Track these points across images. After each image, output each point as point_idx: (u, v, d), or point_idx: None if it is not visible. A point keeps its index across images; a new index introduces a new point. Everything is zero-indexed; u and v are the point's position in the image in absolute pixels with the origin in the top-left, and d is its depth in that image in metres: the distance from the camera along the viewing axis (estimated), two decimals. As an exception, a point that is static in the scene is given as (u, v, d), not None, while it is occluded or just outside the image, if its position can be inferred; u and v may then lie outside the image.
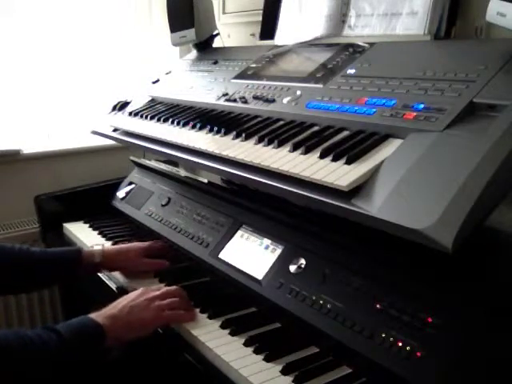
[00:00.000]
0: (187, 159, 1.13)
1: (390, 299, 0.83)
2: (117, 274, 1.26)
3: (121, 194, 1.70)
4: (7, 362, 0.84)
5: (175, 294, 1.06)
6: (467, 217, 0.64)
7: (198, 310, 1.04)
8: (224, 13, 1.89)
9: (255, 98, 1.16)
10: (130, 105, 1.56)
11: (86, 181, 1.76)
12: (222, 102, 1.25)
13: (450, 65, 0.89)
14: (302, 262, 1.00)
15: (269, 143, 0.97)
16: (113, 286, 1.21)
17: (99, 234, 1.52)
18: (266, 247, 1.10)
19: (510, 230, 0.88)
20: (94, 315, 0.96)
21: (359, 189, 0.77)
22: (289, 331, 0.96)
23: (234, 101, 1.21)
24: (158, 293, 1.04)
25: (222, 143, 1.05)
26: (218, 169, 1.02)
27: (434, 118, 0.80)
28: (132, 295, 1.03)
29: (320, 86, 1.07)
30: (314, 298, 0.93)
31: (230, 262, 1.14)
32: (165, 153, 1.22)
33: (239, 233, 1.19)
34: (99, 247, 1.25)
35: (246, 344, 0.91)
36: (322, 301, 0.92)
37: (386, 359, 0.78)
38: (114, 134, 1.49)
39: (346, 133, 0.92)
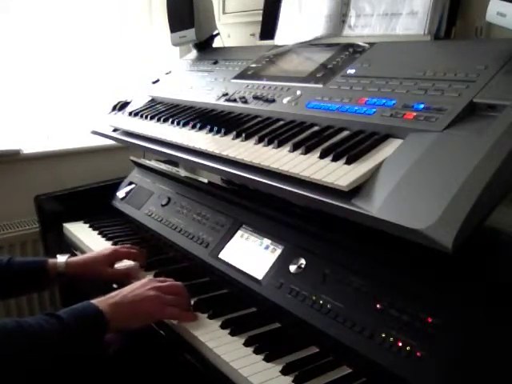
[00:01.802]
0: (187, 159, 1.13)
1: (390, 299, 0.83)
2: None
3: (121, 194, 1.70)
4: (5, 347, 0.83)
5: (179, 290, 1.04)
6: (467, 217, 0.64)
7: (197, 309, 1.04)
8: (224, 13, 1.89)
9: (255, 97, 1.16)
10: (130, 105, 1.57)
11: (86, 181, 1.76)
12: (222, 102, 1.25)
13: (450, 65, 0.89)
14: (302, 261, 1.00)
15: (269, 143, 0.97)
16: (114, 286, 1.22)
17: (99, 234, 1.52)
18: (266, 247, 1.10)
19: (510, 230, 0.88)
20: (96, 301, 0.95)
21: (359, 189, 0.77)
22: (289, 331, 0.96)
23: (234, 101, 1.21)
24: (162, 284, 1.03)
25: (222, 143, 1.05)
26: (218, 169, 1.02)
27: (434, 117, 0.80)
28: (136, 284, 1.02)
29: (320, 86, 1.07)
30: (314, 298, 0.93)
31: (229, 262, 1.14)
32: (165, 153, 1.22)
33: (239, 233, 1.19)
34: (63, 258, 1.23)
35: (246, 344, 0.91)
36: (322, 301, 0.92)
37: (386, 359, 0.78)
38: (114, 134, 1.49)
39: (346, 133, 0.92)
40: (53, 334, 0.86)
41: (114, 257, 1.25)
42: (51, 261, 1.22)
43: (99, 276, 1.22)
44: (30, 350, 0.85)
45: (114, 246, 1.31)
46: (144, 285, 1.02)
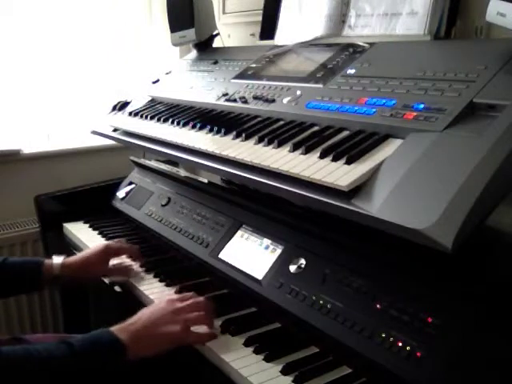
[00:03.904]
0: (187, 159, 1.13)
1: (390, 299, 0.83)
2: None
3: (121, 194, 1.70)
4: (14, 376, 0.81)
5: (202, 306, 0.99)
6: (467, 217, 0.64)
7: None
8: (224, 13, 1.89)
9: (255, 98, 1.16)
10: (130, 105, 1.56)
11: (86, 181, 1.76)
12: (222, 102, 1.25)
13: (449, 65, 0.89)
14: (302, 262, 1.00)
15: (269, 143, 0.97)
16: (117, 289, 1.22)
17: (99, 233, 1.52)
18: (266, 247, 1.10)
19: (510, 230, 0.88)
20: (115, 329, 0.91)
21: (359, 189, 0.77)
22: (289, 331, 0.96)
23: (234, 101, 1.21)
24: (184, 304, 0.97)
25: (222, 143, 1.05)
26: (218, 169, 1.02)
27: (434, 117, 0.80)
28: (157, 306, 0.97)
29: (320, 86, 1.07)
30: (314, 297, 0.93)
31: (229, 262, 1.14)
32: (165, 153, 1.22)
33: (239, 233, 1.19)
34: (59, 259, 1.21)
35: (246, 344, 0.91)
36: (322, 301, 0.92)
37: (385, 359, 0.78)
38: (114, 134, 1.49)
39: (345, 133, 0.92)
40: (61, 360, 0.84)
41: (107, 253, 1.24)
42: (47, 262, 1.20)
43: (95, 276, 1.22)
44: (39, 379, 0.83)
45: (105, 242, 1.29)
46: (165, 307, 0.96)
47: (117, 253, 1.27)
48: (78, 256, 1.26)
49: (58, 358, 0.84)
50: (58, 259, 1.21)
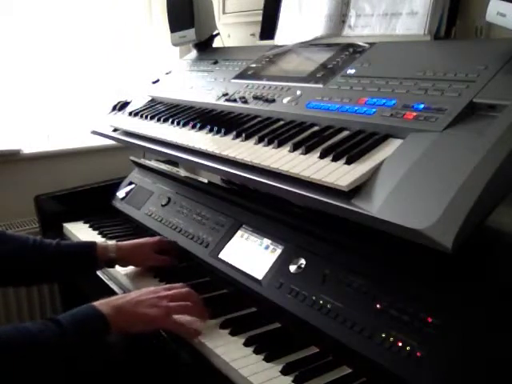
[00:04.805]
0: (187, 159, 1.13)
1: (390, 299, 0.83)
2: (115, 272, 1.26)
3: (121, 194, 1.70)
4: (6, 358, 0.82)
5: (187, 297, 1.02)
6: (467, 217, 0.64)
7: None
8: (224, 13, 1.89)
9: (255, 98, 1.16)
10: (130, 105, 1.56)
11: (86, 181, 1.76)
12: (222, 102, 1.25)
13: (450, 65, 0.89)
14: (302, 262, 1.00)
15: (269, 143, 0.97)
16: (111, 285, 1.22)
17: (99, 234, 1.52)
18: (266, 247, 1.10)
19: (510, 230, 0.88)
20: (98, 303, 0.94)
21: (359, 189, 0.77)
22: (289, 331, 0.96)
23: (234, 101, 1.21)
24: (168, 293, 1.01)
25: (222, 143, 1.05)
26: (218, 169, 1.02)
27: (434, 118, 0.80)
28: (143, 290, 1.01)
29: (320, 86, 1.07)
30: (313, 298, 0.93)
31: (229, 262, 1.14)
32: (165, 153, 1.22)
33: (239, 233, 1.19)
34: (113, 242, 1.26)
35: (246, 344, 0.91)
36: (322, 301, 0.92)
37: (385, 359, 0.78)
38: (114, 134, 1.49)
39: (345, 133, 0.92)
40: (51, 338, 0.85)
41: (161, 245, 1.29)
42: (100, 245, 1.23)
43: (145, 260, 1.25)
44: (29, 356, 0.84)
45: (157, 237, 1.33)
46: (151, 292, 1.00)
47: (167, 248, 1.30)
48: (132, 241, 1.30)
49: (48, 337, 0.85)
50: (111, 242, 1.26)
